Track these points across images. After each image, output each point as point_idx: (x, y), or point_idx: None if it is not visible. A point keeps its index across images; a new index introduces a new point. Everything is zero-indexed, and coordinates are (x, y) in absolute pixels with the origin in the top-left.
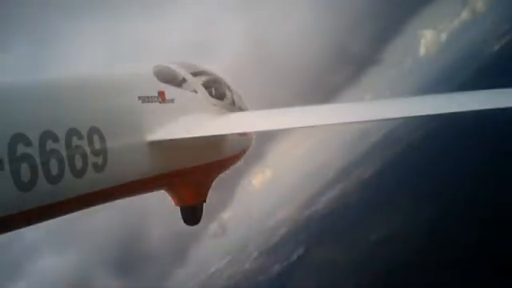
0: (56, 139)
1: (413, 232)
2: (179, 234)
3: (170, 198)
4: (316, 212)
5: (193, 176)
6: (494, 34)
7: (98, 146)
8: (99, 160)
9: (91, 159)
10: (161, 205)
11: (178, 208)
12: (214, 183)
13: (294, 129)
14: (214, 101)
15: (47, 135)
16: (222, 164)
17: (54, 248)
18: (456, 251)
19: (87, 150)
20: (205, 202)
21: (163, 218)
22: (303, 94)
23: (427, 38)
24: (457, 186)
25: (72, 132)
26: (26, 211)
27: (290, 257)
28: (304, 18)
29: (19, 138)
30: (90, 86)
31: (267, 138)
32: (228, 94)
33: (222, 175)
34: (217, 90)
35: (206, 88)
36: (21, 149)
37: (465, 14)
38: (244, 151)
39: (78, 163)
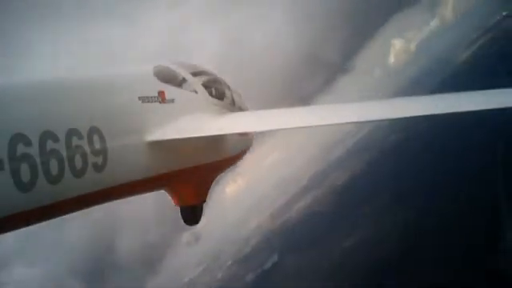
0: (56, 139)
1: (387, 237)
2: (152, 243)
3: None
4: (289, 219)
5: (193, 176)
6: (462, 43)
7: (97, 146)
8: (99, 160)
9: (91, 159)
10: (133, 214)
11: (145, 217)
12: None
13: (267, 136)
14: (214, 101)
15: (47, 135)
16: (222, 164)
17: (23, 259)
18: (432, 255)
19: (87, 150)
20: (205, 201)
21: (135, 227)
22: (274, 100)
23: (397, 47)
24: (431, 191)
25: (72, 132)
26: (26, 211)
27: (264, 265)
28: (277, 25)
29: (19, 138)
30: (90, 86)
31: None
32: (228, 93)
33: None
34: (217, 89)
35: (205, 88)
36: (21, 149)
37: (434, 23)
38: (244, 151)
39: (78, 163)
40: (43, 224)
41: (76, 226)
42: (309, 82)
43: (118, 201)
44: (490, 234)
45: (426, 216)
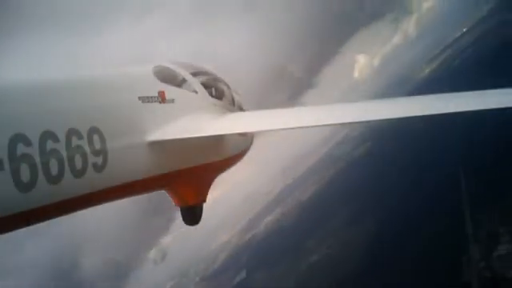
0: (56, 139)
1: (352, 250)
2: (117, 261)
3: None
4: (257, 235)
5: (193, 176)
6: (424, 58)
7: (97, 146)
8: (99, 160)
9: (91, 159)
10: (98, 231)
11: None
12: (152, 209)
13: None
14: (214, 101)
15: (47, 135)
16: (222, 164)
17: None
18: (399, 267)
19: (87, 150)
20: (205, 201)
21: (100, 243)
22: None
23: (361, 62)
24: (397, 203)
25: (72, 132)
26: (26, 211)
27: (233, 281)
28: (246, 40)
29: (19, 138)
30: (90, 86)
31: None
32: (228, 93)
33: (160, 200)
34: (217, 90)
35: (205, 88)
36: (21, 149)
37: (396, 39)
38: (244, 151)
39: (78, 163)
40: (5, 238)
41: (42, 242)
42: (275, 96)
43: (83, 217)
44: (455, 247)
45: (393, 228)
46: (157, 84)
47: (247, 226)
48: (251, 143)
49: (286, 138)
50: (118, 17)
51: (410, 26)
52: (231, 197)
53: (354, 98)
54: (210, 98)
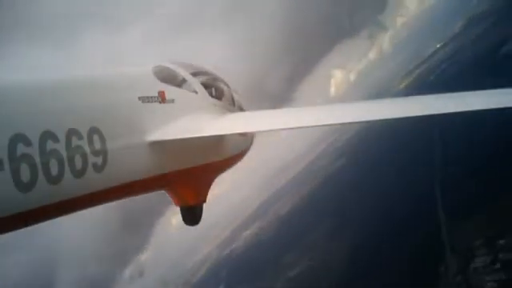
0: (56, 139)
1: (331, 264)
2: (93, 279)
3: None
4: (235, 250)
5: (193, 176)
6: (399, 73)
7: (97, 146)
8: (99, 160)
9: (91, 159)
10: (75, 247)
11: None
12: (128, 225)
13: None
14: (214, 101)
15: (47, 135)
16: (223, 164)
17: None
18: (378, 281)
19: (87, 150)
20: (205, 202)
21: (77, 261)
22: None
23: (337, 77)
24: (374, 216)
25: (72, 132)
26: (26, 211)
27: None
28: (222, 55)
29: (19, 138)
30: (90, 86)
31: None
32: (228, 93)
33: (136, 215)
34: (217, 90)
35: (206, 88)
36: (21, 149)
37: (372, 55)
38: (244, 151)
39: (78, 163)
40: None
41: (15, 260)
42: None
43: (59, 233)
44: (432, 259)
45: (371, 240)
46: (157, 84)
47: (226, 240)
48: (251, 143)
49: (262, 153)
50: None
51: (385, 41)
52: (209, 211)
53: None
54: (210, 98)
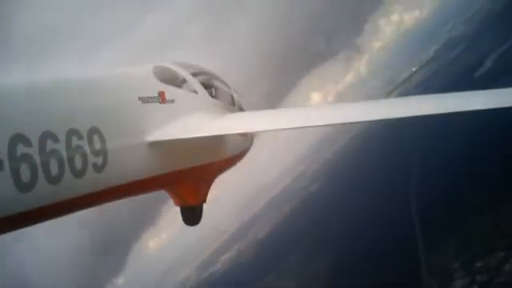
0: (56, 139)
1: (310, 286)
2: None
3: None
4: (214, 273)
5: (193, 176)
6: (375, 96)
7: (97, 146)
8: (99, 160)
9: (91, 159)
10: (48, 272)
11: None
12: (103, 249)
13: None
14: (214, 101)
15: (47, 135)
16: (222, 164)
17: None
18: None
19: (87, 150)
20: (205, 202)
21: (49, 284)
22: None
23: (315, 100)
24: (351, 239)
25: (72, 132)
26: (26, 211)
27: None
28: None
29: (19, 138)
30: (90, 86)
31: (162, 200)
32: (228, 93)
33: (112, 239)
34: (217, 90)
35: (206, 88)
36: (21, 149)
37: (349, 78)
38: (244, 151)
39: (78, 163)
40: None
41: None
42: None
43: (32, 256)
44: (409, 282)
45: (348, 264)
46: (157, 84)
47: (204, 263)
48: (251, 143)
49: (240, 175)
50: (68, 49)
51: (361, 65)
52: (187, 234)
53: (309, 136)
54: (210, 98)
